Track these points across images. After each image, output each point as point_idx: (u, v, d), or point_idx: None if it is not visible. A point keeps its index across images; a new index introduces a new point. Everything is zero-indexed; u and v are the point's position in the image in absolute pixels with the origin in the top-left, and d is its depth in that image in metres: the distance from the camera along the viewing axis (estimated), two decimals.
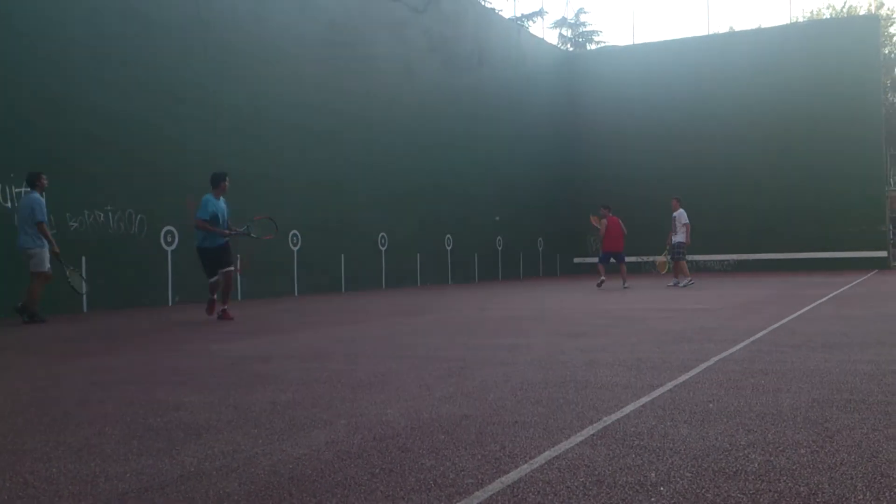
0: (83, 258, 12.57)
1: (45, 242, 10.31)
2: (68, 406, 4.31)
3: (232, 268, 10.20)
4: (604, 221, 17.95)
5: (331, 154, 18.09)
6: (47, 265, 10.40)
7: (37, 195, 10.33)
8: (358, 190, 18.92)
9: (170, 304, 13.96)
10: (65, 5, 12.62)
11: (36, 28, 12.19)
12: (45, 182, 10.53)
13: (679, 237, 17.67)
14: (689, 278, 17.77)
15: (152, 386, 4.92)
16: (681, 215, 17.79)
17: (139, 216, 13.52)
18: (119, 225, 13.23)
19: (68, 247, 12.34)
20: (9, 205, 11.61)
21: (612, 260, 17.84)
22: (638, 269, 29.66)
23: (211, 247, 9.98)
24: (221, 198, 10.20)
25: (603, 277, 17.66)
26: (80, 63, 12.80)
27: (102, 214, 12.91)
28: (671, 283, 17.75)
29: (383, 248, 19.83)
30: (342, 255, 18.22)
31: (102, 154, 13.03)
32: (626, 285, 17.59)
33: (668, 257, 18.18)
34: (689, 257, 28.79)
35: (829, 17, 47.06)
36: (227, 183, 10.23)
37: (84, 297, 12.19)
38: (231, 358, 6.25)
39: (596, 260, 18.57)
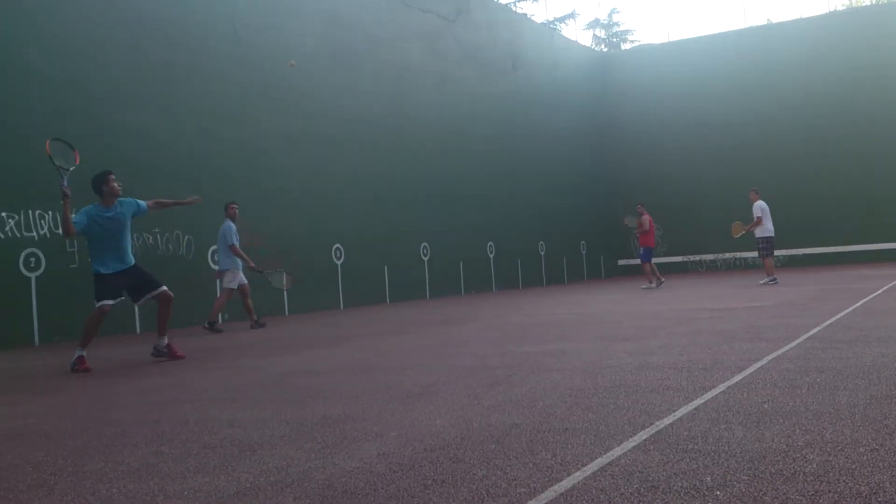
0: None
1: (240, 263, 11.90)
2: (125, 426, 4.39)
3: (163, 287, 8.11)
4: (644, 217, 17.96)
5: (369, 166, 18.21)
6: (237, 284, 11.98)
7: (229, 223, 11.96)
8: (398, 201, 19.00)
9: (220, 321, 14.13)
10: (106, 29, 12.91)
11: (81, 54, 12.48)
12: (235, 210, 12.17)
13: (761, 231, 16.83)
14: (771, 276, 16.76)
15: (205, 404, 4.99)
16: (755, 208, 17.00)
17: (186, 237, 13.74)
18: (167, 247, 13.47)
19: None
20: (59, 231, 11.84)
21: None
22: (683, 269, 29.34)
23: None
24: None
25: (661, 278, 17.66)
26: (123, 86, 13.07)
27: (151, 237, 13.15)
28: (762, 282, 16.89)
29: (426, 258, 19.89)
30: (385, 267, 18.30)
31: (146, 176, 13.26)
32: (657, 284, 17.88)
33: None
34: (739, 254, 28.65)
35: (868, 4, 46.10)
36: (112, 185, 7.90)
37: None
38: (279, 373, 6.31)
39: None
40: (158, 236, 13.30)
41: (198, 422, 4.37)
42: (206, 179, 14.30)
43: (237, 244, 11.87)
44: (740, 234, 17.78)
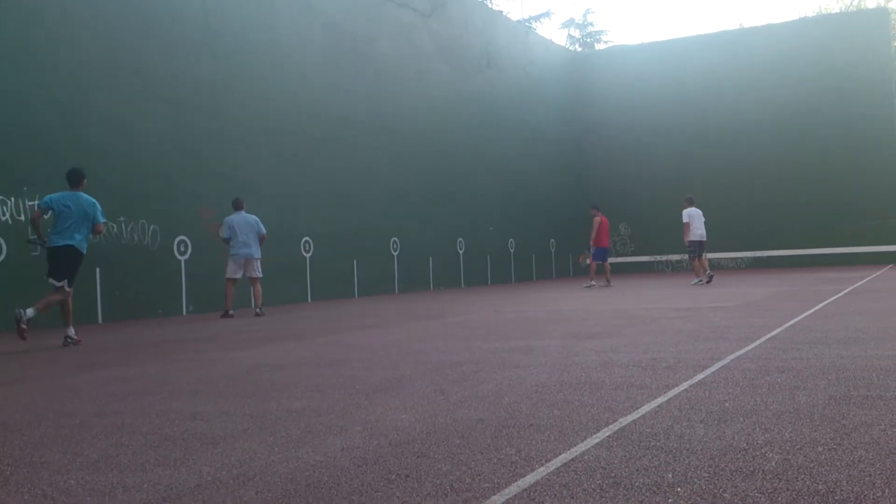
0: (97, 270, 12.64)
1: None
2: (84, 417, 4.33)
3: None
4: (596, 220, 18.59)
5: (341, 160, 18.13)
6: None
7: (250, 214, 12.87)
8: (369, 195, 18.95)
9: (184, 313, 14.02)
10: (77, 17, 12.72)
11: (48, 40, 12.28)
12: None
13: (690, 235, 17.96)
14: (699, 278, 18.04)
15: (168, 396, 4.94)
16: (683, 214, 18.16)
17: (152, 226, 13.59)
18: (132, 235, 13.30)
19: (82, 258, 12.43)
20: (21, 218, 11.68)
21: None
22: (650, 268, 29.60)
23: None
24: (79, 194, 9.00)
25: (594, 282, 18.33)
26: (91, 75, 12.89)
27: (115, 225, 12.98)
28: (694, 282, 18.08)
29: (396, 253, 19.86)
30: (355, 261, 18.25)
31: (114, 165, 13.11)
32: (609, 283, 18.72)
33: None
34: (707, 255, 28.88)
35: (838, 11, 46.80)
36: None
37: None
38: (244, 366, 6.26)
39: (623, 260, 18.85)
40: (123, 225, 13.13)
41: (159, 414, 4.32)
42: (176, 167, 14.16)
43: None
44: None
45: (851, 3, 48.61)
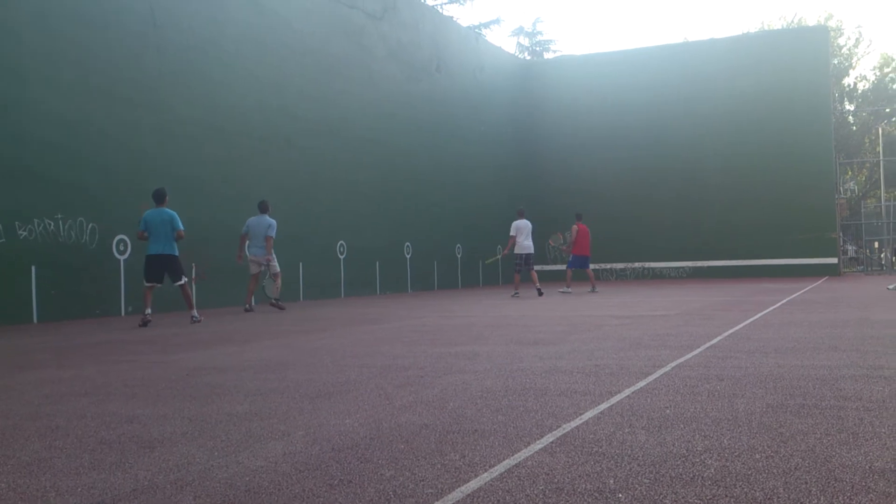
0: (33, 268, 12.31)
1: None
2: (17, 419, 4.20)
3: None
4: (574, 228, 18.84)
5: (288, 160, 17.97)
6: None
7: (270, 217, 13.99)
8: (316, 197, 18.81)
9: (122, 314, 13.73)
10: (17, 8, 12.37)
11: None
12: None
13: (518, 248, 17.57)
14: (517, 289, 18.08)
15: (104, 398, 4.82)
16: (511, 227, 17.75)
17: (91, 224, 13.28)
18: (70, 233, 12.98)
19: (17, 256, 12.10)
20: None
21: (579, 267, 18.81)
22: (596, 277, 29.91)
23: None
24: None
25: (569, 288, 18.53)
26: (30, 65, 12.54)
27: (53, 223, 12.66)
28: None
29: (342, 257, 19.74)
30: (300, 263, 18.08)
31: (53, 160, 12.78)
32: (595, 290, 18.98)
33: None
34: (648, 264, 29.43)
35: (779, 28, 48.05)
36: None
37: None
38: (185, 369, 6.15)
39: (561, 267, 19.00)
40: (61, 222, 12.81)
41: (95, 416, 4.21)
42: (117, 164, 13.86)
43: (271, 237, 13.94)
44: (493, 260, 18.72)
45: (793, 21, 49.96)
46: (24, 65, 12.45)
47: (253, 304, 14.07)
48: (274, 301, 14.05)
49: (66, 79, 13.09)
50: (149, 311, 11.18)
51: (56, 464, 3.22)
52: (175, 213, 11.56)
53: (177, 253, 11.56)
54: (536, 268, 18.41)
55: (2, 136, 12.09)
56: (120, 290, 13.71)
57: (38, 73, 12.66)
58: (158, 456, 3.30)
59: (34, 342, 9.05)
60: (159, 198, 11.50)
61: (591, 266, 19.98)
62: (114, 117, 13.88)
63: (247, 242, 14.18)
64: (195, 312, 11.43)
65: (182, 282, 11.49)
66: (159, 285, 11.55)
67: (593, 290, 18.94)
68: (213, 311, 14.29)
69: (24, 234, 12.26)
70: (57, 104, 12.91)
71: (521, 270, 17.61)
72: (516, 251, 17.51)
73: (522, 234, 17.53)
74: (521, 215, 17.88)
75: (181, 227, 11.49)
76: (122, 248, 13.81)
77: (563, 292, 18.52)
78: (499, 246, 19.33)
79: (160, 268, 11.38)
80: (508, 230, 18.03)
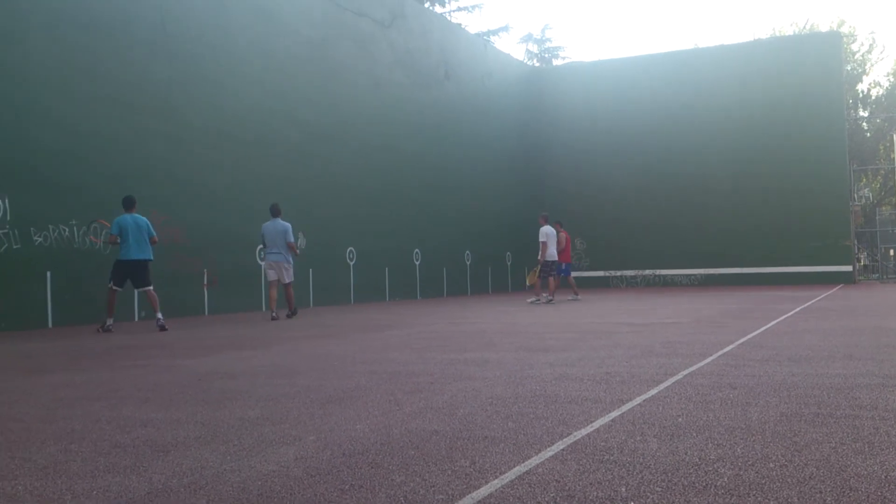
0: (48, 273, 12.39)
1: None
2: (33, 423, 4.23)
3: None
4: (562, 235, 18.55)
5: (296, 167, 18.03)
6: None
7: (284, 221, 13.43)
8: (326, 204, 18.86)
9: (136, 319, 13.79)
10: (27, 16, 12.48)
11: None
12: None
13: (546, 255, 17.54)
14: (547, 295, 17.84)
15: (118, 402, 4.84)
16: (540, 233, 17.69)
17: (105, 230, 13.34)
18: (84, 239, 13.06)
19: (32, 262, 12.18)
20: None
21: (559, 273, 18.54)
22: (605, 284, 29.89)
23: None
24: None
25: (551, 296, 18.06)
26: (43, 73, 12.65)
27: (67, 229, 12.74)
28: (532, 300, 17.89)
29: (352, 263, 19.78)
30: (310, 270, 18.12)
31: (67, 167, 12.88)
32: (577, 297, 18.66)
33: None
34: (659, 271, 29.36)
35: (791, 34, 47.91)
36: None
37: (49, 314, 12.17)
38: (198, 374, 6.17)
39: (583, 274, 18.70)
40: (75, 228, 12.88)
41: (110, 420, 4.24)
42: (127, 170, 13.94)
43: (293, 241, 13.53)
44: (534, 273, 18.41)
45: (805, 27, 49.80)
46: (35, 74, 12.55)
47: (276, 311, 13.25)
48: (290, 314, 13.49)
49: (78, 87, 13.19)
50: (111, 320, 11.22)
51: (72, 467, 3.24)
52: (147, 220, 11.58)
53: (152, 258, 11.64)
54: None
55: (16, 143, 12.18)
56: (133, 296, 13.76)
57: (50, 81, 12.76)
58: (172, 460, 3.32)
59: (49, 346, 9.11)
60: (130, 204, 11.44)
61: (605, 273, 19.86)
62: (124, 124, 13.97)
63: (262, 248, 13.79)
64: (161, 315, 11.38)
65: (150, 287, 11.45)
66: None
67: (551, 300, 18.11)
68: (222, 317, 14.33)
69: (40, 240, 12.35)
70: (69, 112, 13.01)
71: (554, 275, 17.53)
72: (547, 258, 17.44)
73: (553, 240, 17.50)
74: (546, 221, 17.76)
75: (154, 233, 11.63)
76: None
77: (572, 300, 18.43)
78: (527, 269, 19.10)
79: (134, 272, 11.34)
80: (518, 235, 17.96)
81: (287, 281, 13.36)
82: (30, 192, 12.22)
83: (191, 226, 15.04)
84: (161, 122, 14.70)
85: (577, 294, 19.07)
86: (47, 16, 12.76)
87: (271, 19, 17.65)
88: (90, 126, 13.34)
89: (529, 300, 18.12)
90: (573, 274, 19.47)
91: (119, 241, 11.21)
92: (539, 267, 17.78)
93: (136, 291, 12.78)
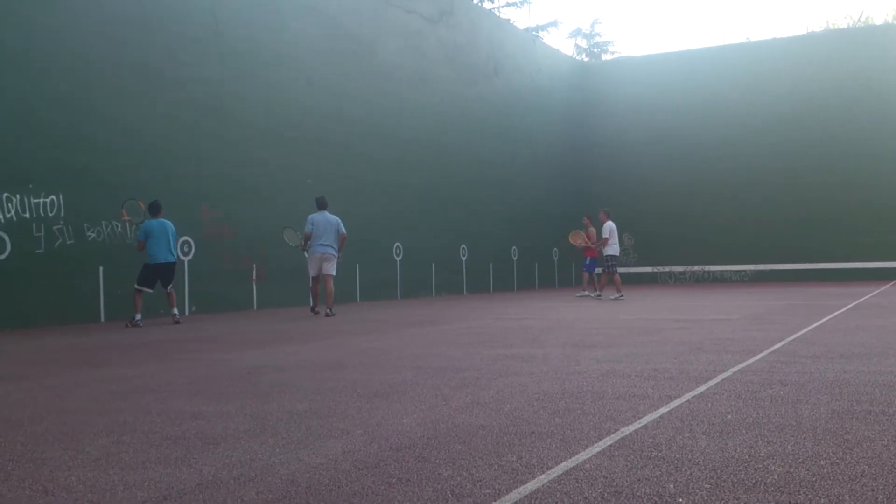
0: (101, 269, 12.65)
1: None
2: (86, 415, 4.33)
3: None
4: (591, 230, 18.40)
5: (345, 163, 18.15)
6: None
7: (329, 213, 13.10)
8: (373, 200, 18.96)
9: (186, 313, 14.02)
10: (84, 15, 12.75)
11: (55, 38, 12.31)
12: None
13: (608, 250, 17.33)
14: (620, 293, 17.44)
15: (169, 395, 4.94)
16: (604, 228, 17.47)
17: (137, 219, 13.58)
18: (136, 235, 13.30)
19: (85, 257, 12.45)
20: (27, 215, 11.70)
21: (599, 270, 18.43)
22: (653, 280, 29.59)
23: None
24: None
25: (599, 290, 17.96)
26: (98, 73, 12.91)
27: (120, 225, 13.00)
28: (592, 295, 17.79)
29: (398, 258, 19.86)
30: (357, 266, 18.24)
31: (119, 164, 13.13)
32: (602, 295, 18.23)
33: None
34: (708, 268, 28.97)
35: (845, 26, 46.85)
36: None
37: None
38: (246, 367, 6.26)
39: (631, 270, 18.50)
40: (127, 225, 13.13)
41: (160, 413, 4.32)
42: (178, 169, 14.17)
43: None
44: (578, 243, 18.45)
45: (859, 19, 48.67)
46: (90, 73, 12.82)
47: (319, 306, 13.15)
48: (328, 312, 12.72)
49: (130, 85, 13.44)
50: (139, 315, 11.56)
51: (124, 458, 3.31)
52: (172, 224, 12.07)
53: (176, 261, 12.29)
54: (598, 270, 18.40)
55: (71, 142, 12.46)
56: (184, 290, 14.00)
57: (104, 80, 13.02)
58: (222, 452, 3.37)
59: (101, 340, 9.32)
60: (157, 209, 11.99)
61: (654, 269, 19.55)
62: (176, 122, 14.20)
63: (310, 241, 13.09)
64: (176, 311, 12.07)
65: (172, 286, 12.09)
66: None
67: (599, 295, 18.01)
68: (270, 312, 14.51)
69: (93, 235, 12.62)
70: (121, 110, 13.26)
71: (612, 272, 17.31)
72: (610, 252, 17.23)
73: (615, 235, 17.35)
74: (608, 217, 17.56)
75: (177, 236, 12.34)
76: (186, 249, 14.11)
77: (595, 296, 18.04)
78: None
79: (163, 274, 11.90)
80: (565, 231, 17.86)
81: (329, 273, 12.85)
82: (83, 188, 12.48)
83: (240, 222, 15.25)
84: (212, 119, 14.91)
85: (586, 290, 18.76)
86: (101, 15, 13.02)
87: (320, 17, 17.78)
88: (142, 124, 13.59)
89: (579, 294, 18.09)
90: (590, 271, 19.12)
91: (146, 245, 11.72)
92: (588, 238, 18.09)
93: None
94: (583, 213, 22.24)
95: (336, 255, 13.00)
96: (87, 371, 6.40)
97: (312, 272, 13.03)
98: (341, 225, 13.04)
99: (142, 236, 11.72)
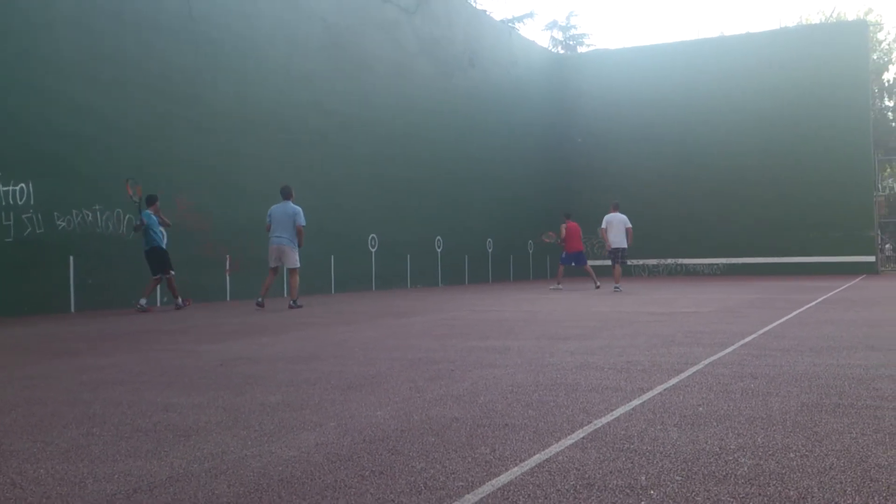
0: (70, 258, 12.51)
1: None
2: (56, 406, 4.28)
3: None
4: (563, 227, 18.56)
5: (321, 154, 18.06)
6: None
7: (294, 204, 12.76)
8: (348, 190, 18.89)
9: (158, 304, 13.90)
10: (53, 2, 12.55)
11: (25, 25, 12.12)
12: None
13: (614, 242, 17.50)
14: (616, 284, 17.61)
15: (140, 387, 4.89)
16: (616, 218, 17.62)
17: (127, 216, 13.46)
18: (107, 224, 13.17)
19: (55, 246, 12.30)
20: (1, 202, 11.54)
21: (573, 263, 18.60)
22: (626, 273, 29.76)
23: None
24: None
25: (559, 284, 18.23)
26: (69, 60, 12.74)
27: (91, 214, 12.86)
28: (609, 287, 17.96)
29: (373, 250, 19.81)
30: (332, 257, 18.19)
31: (91, 153, 12.98)
32: (597, 285, 18.54)
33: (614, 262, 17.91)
34: (681, 261, 29.21)
35: (818, 22, 47.29)
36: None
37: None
38: (219, 359, 6.22)
39: (600, 263, 18.71)
40: (98, 213, 13.00)
41: (131, 404, 4.28)
42: (151, 157, 14.04)
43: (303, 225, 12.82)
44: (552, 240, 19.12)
45: (831, 15, 49.15)
46: (60, 60, 12.65)
47: (264, 298, 12.63)
48: (292, 304, 12.54)
49: (103, 74, 13.28)
50: (145, 300, 12.38)
51: (94, 451, 3.28)
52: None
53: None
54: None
55: (41, 129, 12.29)
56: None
57: (75, 67, 12.86)
58: (193, 444, 3.34)
59: (71, 331, 9.21)
60: (152, 201, 12.62)
61: (634, 261, 19.71)
62: (149, 111, 14.06)
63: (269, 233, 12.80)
64: (180, 299, 12.84)
65: (167, 273, 12.73)
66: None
67: (597, 287, 18.31)
68: (244, 303, 14.42)
69: (63, 224, 12.47)
70: (93, 98, 13.11)
71: (615, 263, 17.44)
72: (614, 245, 17.37)
73: (614, 228, 17.37)
74: (616, 209, 17.66)
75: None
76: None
77: (553, 289, 18.25)
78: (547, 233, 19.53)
79: (158, 258, 12.59)
80: (540, 224, 17.98)
81: (291, 266, 12.64)
82: (53, 177, 12.33)
83: (214, 212, 15.14)
84: (186, 108, 14.77)
85: (560, 285, 18.89)
86: (73, 3, 12.84)
87: (296, 6, 17.66)
88: (115, 112, 13.43)
89: (553, 287, 18.24)
90: (563, 265, 19.24)
91: (144, 228, 12.37)
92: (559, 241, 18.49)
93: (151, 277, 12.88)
94: (558, 207, 22.38)
95: (292, 246, 12.58)
96: (56, 361, 6.32)
97: (271, 263, 12.75)
98: (299, 216, 12.57)
99: (138, 222, 12.53)
